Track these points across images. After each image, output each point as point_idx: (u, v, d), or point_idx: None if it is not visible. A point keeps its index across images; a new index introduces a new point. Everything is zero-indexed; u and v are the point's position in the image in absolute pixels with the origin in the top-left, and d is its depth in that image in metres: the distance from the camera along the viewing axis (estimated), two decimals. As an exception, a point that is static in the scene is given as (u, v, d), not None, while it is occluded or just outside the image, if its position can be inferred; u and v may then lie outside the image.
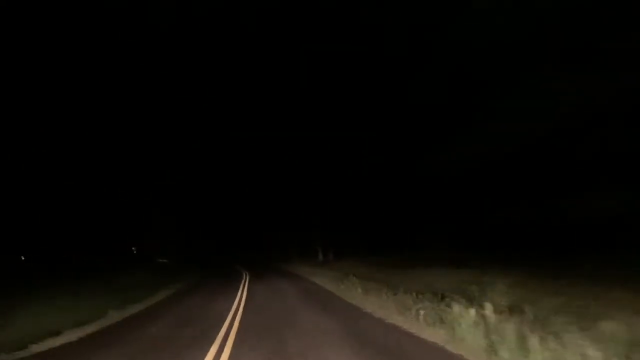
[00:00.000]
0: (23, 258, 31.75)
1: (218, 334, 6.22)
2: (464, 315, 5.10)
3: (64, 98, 24.42)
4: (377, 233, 25.95)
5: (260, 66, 24.43)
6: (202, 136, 32.13)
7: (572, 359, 3.55)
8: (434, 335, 5.37)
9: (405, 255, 18.23)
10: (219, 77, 27.24)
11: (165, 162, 33.90)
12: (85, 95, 24.99)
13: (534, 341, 3.90)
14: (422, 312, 6.25)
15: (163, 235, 39.72)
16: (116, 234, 35.13)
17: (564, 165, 15.23)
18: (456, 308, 5.40)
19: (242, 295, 11.26)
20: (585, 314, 4.78)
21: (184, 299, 11.60)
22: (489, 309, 4.85)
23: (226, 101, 28.68)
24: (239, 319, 7.43)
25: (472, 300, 5.95)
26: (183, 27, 20.71)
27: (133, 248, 37.12)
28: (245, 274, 19.95)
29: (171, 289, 14.62)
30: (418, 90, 19.39)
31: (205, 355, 5.04)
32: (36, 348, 6.17)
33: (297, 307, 8.57)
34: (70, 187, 30.63)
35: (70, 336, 6.88)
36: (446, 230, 20.98)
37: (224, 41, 22.88)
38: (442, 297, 7.34)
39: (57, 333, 7.21)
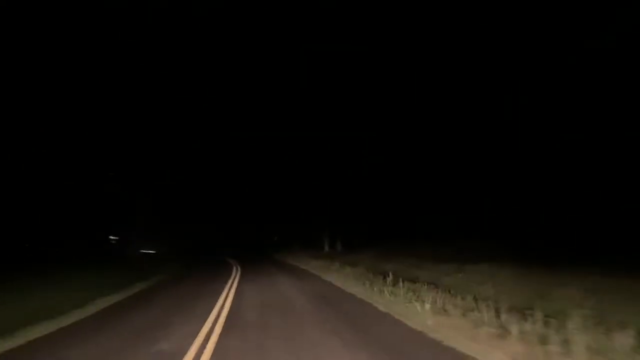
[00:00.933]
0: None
1: None
2: None
3: (60, 92, 23.30)
4: (387, 223, 24.26)
5: (260, 66, 24.51)
6: (201, 135, 32.02)
7: None
8: None
9: (428, 248, 14.85)
10: (218, 77, 27.05)
11: (166, 158, 32.46)
12: (83, 90, 24.22)
13: None
14: None
15: (156, 226, 38.06)
16: (93, 224, 30.86)
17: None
18: None
19: (222, 308, 7.01)
20: None
21: (128, 313, 7.30)
22: None
23: (226, 101, 28.45)
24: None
25: None
26: (183, 27, 20.74)
27: (111, 237, 32.70)
28: (237, 269, 15.73)
29: (128, 292, 10.33)
30: (417, 89, 19.00)
31: None
32: None
33: (323, 348, 4.33)
34: (41, 173, 26.71)
35: None
36: (473, 221, 18.53)
37: (224, 41, 23.00)
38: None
39: None
